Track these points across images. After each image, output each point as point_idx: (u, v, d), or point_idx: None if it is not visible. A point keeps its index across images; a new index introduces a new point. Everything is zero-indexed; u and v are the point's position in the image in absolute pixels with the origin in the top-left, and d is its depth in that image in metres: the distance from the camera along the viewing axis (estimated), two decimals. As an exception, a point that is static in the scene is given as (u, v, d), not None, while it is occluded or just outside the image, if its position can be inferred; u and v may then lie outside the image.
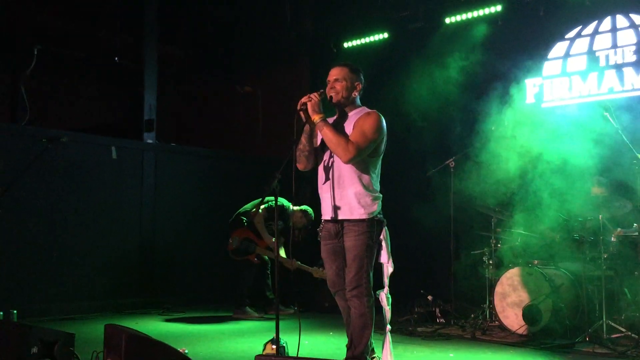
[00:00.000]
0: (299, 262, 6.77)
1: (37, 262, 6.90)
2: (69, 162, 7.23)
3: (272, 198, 6.71)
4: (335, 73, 4.06)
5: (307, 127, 4.04)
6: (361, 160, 3.97)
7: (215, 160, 8.87)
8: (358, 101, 4.14)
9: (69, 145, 6.70)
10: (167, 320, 6.92)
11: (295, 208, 7.11)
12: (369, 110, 4.09)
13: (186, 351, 4.18)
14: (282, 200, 6.95)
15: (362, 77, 4.12)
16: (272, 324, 4.01)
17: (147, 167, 8.01)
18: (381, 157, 4.11)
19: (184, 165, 8.45)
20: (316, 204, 4.32)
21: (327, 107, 4.00)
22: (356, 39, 8.74)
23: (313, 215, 7.08)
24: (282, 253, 7.11)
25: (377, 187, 4.09)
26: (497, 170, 6.23)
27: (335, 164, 4.03)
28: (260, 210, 6.92)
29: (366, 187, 3.99)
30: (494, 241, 6.37)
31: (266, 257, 7.20)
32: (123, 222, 7.72)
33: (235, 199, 7.41)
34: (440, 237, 7.04)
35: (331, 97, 4.03)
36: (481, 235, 6.57)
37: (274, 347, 4.20)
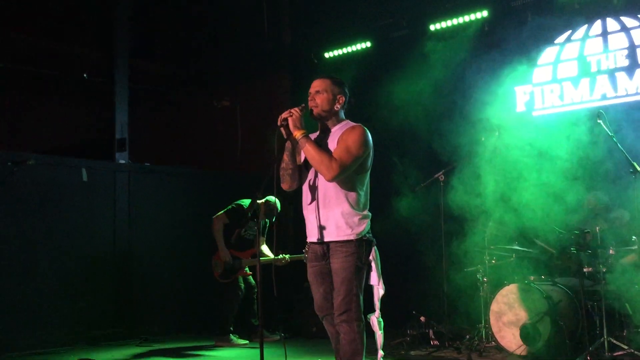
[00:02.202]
0: (288, 255, 6.55)
1: (5, 291, 6.58)
2: (37, 185, 6.96)
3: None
4: (316, 85, 3.90)
5: (288, 144, 3.86)
6: (347, 177, 3.76)
7: (193, 179, 8.58)
8: (342, 115, 3.95)
9: (36, 167, 6.51)
10: (145, 353, 6.58)
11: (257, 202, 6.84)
12: (353, 124, 3.90)
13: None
14: (243, 201, 6.86)
15: (346, 90, 3.95)
16: (257, 351, 3.83)
17: (119, 189, 7.71)
18: (368, 172, 3.91)
19: (159, 185, 8.15)
20: (301, 225, 4.07)
21: (309, 122, 3.80)
22: (338, 49, 8.57)
23: (277, 203, 6.74)
24: (268, 251, 6.91)
25: (366, 205, 3.88)
26: (487, 183, 6.10)
27: (320, 183, 3.83)
28: (219, 216, 6.79)
29: (353, 206, 3.79)
30: (488, 257, 6.25)
31: (253, 282, 6.90)
32: (95, 247, 7.41)
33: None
34: (432, 254, 6.88)
35: (312, 110, 3.86)
36: (474, 252, 6.39)
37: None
